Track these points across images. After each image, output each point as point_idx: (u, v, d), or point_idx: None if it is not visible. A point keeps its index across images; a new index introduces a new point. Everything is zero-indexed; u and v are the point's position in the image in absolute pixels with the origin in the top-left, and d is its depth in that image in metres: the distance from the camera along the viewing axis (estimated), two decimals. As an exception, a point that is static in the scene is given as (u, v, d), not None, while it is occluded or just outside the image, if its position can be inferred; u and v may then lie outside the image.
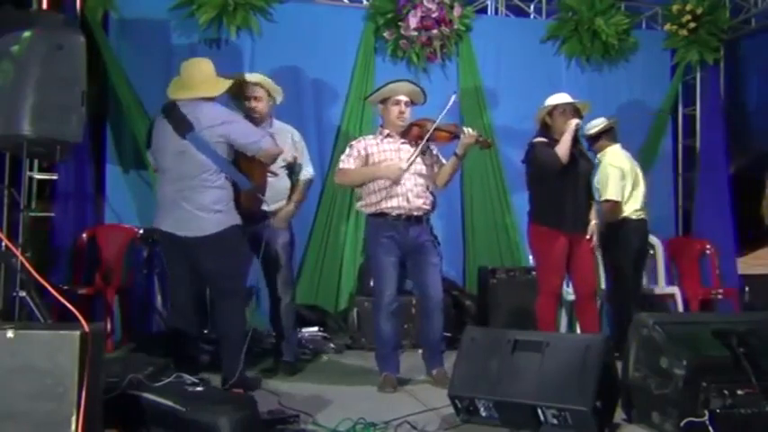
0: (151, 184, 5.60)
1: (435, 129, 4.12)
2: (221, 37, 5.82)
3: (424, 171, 4.18)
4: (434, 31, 6.10)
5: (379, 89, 4.32)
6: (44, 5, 5.30)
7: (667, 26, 6.69)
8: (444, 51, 6.23)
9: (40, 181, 5.44)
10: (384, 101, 4.24)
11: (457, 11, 6.14)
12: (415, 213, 4.11)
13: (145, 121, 5.54)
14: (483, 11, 6.52)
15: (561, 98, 4.46)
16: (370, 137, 4.30)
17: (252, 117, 4.28)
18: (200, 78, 3.76)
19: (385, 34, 6.11)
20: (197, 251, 3.68)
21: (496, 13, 6.61)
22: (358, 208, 4.30)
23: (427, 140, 4.15)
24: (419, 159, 4.16)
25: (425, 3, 6.02)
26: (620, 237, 4.96)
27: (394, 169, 4.08)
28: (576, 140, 4.41)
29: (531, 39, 6.51)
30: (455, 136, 4.17)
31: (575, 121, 4.30)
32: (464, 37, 6.28)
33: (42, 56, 3.51)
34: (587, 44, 6.48)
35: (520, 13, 6.67)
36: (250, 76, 4.44)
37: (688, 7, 6.51)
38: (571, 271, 4.39)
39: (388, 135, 4.23)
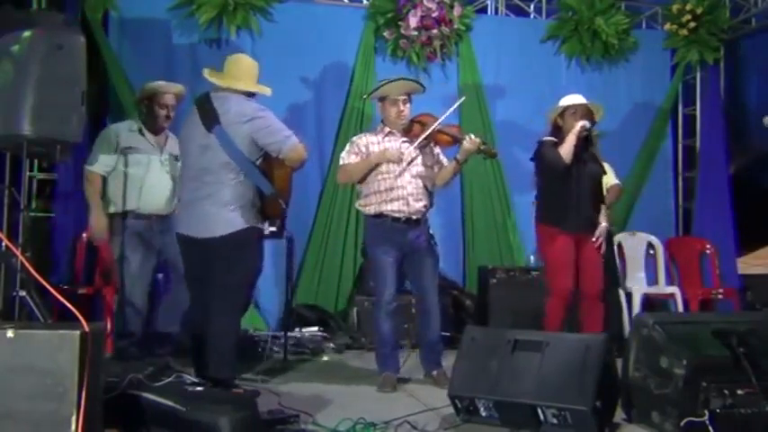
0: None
1: (437, 131, 4.08)
2: (221, 37, 5.82)
3: (423, 172, 4.15)
4: (434, 31, 6.09)
5: (377, 88, 4.29)
6: (44, 5, 5.30)
7: (667, 26, 6.68)
8: (444, 51, 6.23)
9: (40, 181, 5.44)
10: (382, 99, 4.22)
11: (457, 10, 6.14)
12: (414, 216, 4.10)
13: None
14: (483, 10, 6.52)
15: (574, 99, 4.41)
16: (371, 134, 4.26)
17: (162, 126, 4.43)
18: (244, 72, 3.68)
19: (385, 34, 6.10)
20: (208, 252, 3.57)
21: (496, 12, 6.61)
22: (358, 207, 4.28)
23: (428, 141, 4.12)
24: (419, 160, 4.14)
25: (425, 2, 6.01)
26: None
27: (392, 151, 4.05)
28: (587, 142, 4.38)
29: (531, 38, 6.51)
30: (457, 141, 4.10)
31: (580, 123, 4.26)
32: (464, 37, 6.28)
33: (42, 56, 3.50)
34: (587, 44, 6.48)
35: (520, 12, 6.67)
36: (169, 86, 4.48)
37: (688, 7, 6.51)
38: (579, 271, 4.37)
39: (389, 132, 4.20)
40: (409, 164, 4.09)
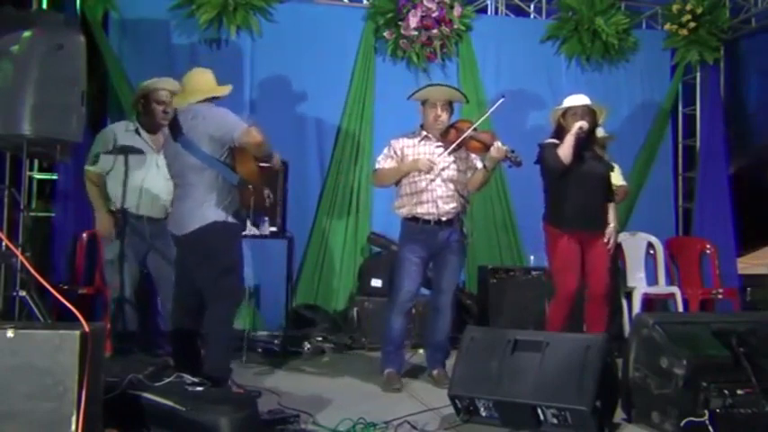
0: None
1: (470, 137, 4.08)
2: (221, 37, 5.83)
3: (455, 177, 4.17)
4: (434, 31, 6.10)
5: (419, 89, 4.31)
6: (44, 5, 5.30)
7: (667, 26, 6.68)
8: (444, 51, 6.23)
9: (40, 181, 5.44)
10: (423, 102, 4.25)
11: (457, 10, 6.14)
12: (444, 218, 4.13)
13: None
14: (483, 10, 6.52)
15: (577, 100, 4.41)
16: (408, 137, 4.27)
17: (160, 123, 4.40)
18: (200, 85, 3.80)
19: (385, 34, 6.11)
20: (187, 248, 3.76)
21: (496, 12, 6.61)
22: (393, 210, 4.31)
23: (460, 147, 4.12)
24: (452, 165, 4.16)
25: (425, 2, 6.02)
26: None
27: (423, 161, 4.08)
28: (588, 142, 4.36)
29: (531, 39, 6.51)
30: (488, 148, 4.07)
31: (577, 124, 4.25)
32: (464, 37, 6.28)
33: (42, 56, 3.51)
34: (587, 44, 6.48)
35: (520, 12, 6.68)
36: (163, 82, 4.45)
37: (688, 7, 6.52)
38: (585, 271, 4.37)
39: (425, 137, 4.22)
40: (442, 168, 4.12)
